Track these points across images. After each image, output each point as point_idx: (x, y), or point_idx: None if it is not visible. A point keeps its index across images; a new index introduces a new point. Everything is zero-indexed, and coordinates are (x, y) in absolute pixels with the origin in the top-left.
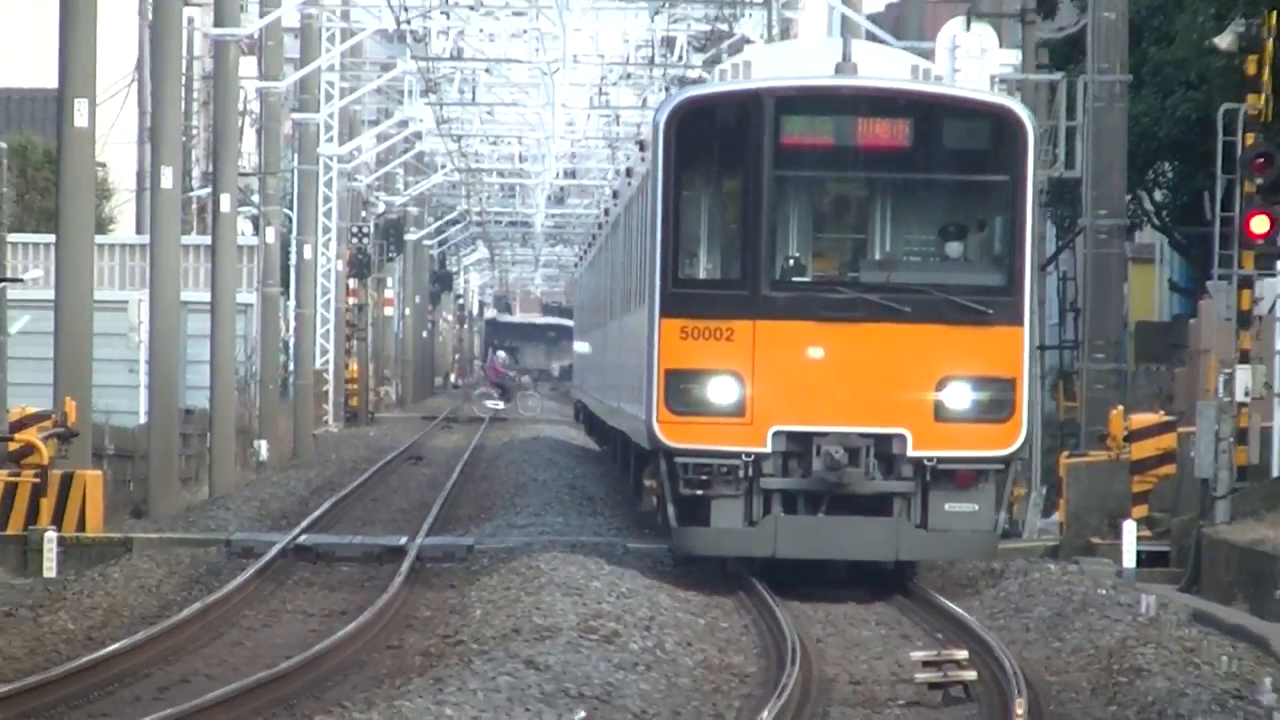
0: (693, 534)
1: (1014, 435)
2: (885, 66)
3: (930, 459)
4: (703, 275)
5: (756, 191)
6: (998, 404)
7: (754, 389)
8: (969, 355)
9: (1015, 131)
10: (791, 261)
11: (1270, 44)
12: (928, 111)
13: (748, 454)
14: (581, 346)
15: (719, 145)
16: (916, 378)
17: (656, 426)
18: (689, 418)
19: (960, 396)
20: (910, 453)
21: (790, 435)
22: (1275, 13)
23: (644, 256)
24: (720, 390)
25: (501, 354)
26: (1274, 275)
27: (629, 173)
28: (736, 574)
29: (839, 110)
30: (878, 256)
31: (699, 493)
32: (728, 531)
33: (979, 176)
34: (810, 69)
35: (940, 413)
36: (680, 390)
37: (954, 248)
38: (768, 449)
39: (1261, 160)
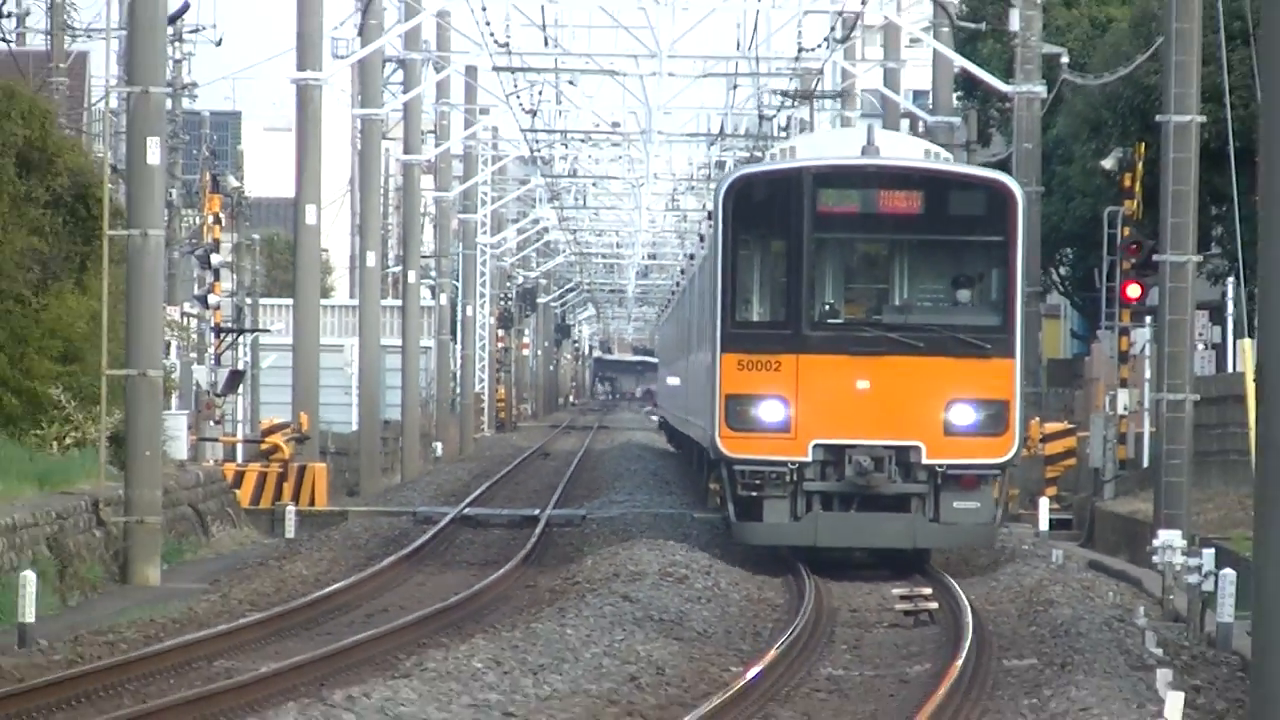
0: (749, 528)
1: (1009, 446)
2: (903, 149)
3: (941, 466)
4: (755, 318)
5: (798, 250)
6: (995, 421)
7: (797, 410)
8: (971, 382)
9: (1006, 200)
10: (827, 307)
11: (1139, 165)
12: (936, 184)
13: (793, 463)
14: (664, 375)
15: (768, 212)
16: (929, 400)
17: (719, 441)
18: (745, 434)
19: (965, 415)
20: (924, 461)
21: (827, 447)
22: (1143, 144)
23: (709, 303)
24: (770, 411)
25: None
26: (1143, 327)
27: (701, 239)
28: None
29: (864, 184)
30: (897, 302)
31: (753, 494)
32: (777, 525)
33: (978, 237)
34: (843, 151)
35: (948, 428)
36: (738, 411)
37: (959, 295)
38: (809, 458)
39: (1135, 246)
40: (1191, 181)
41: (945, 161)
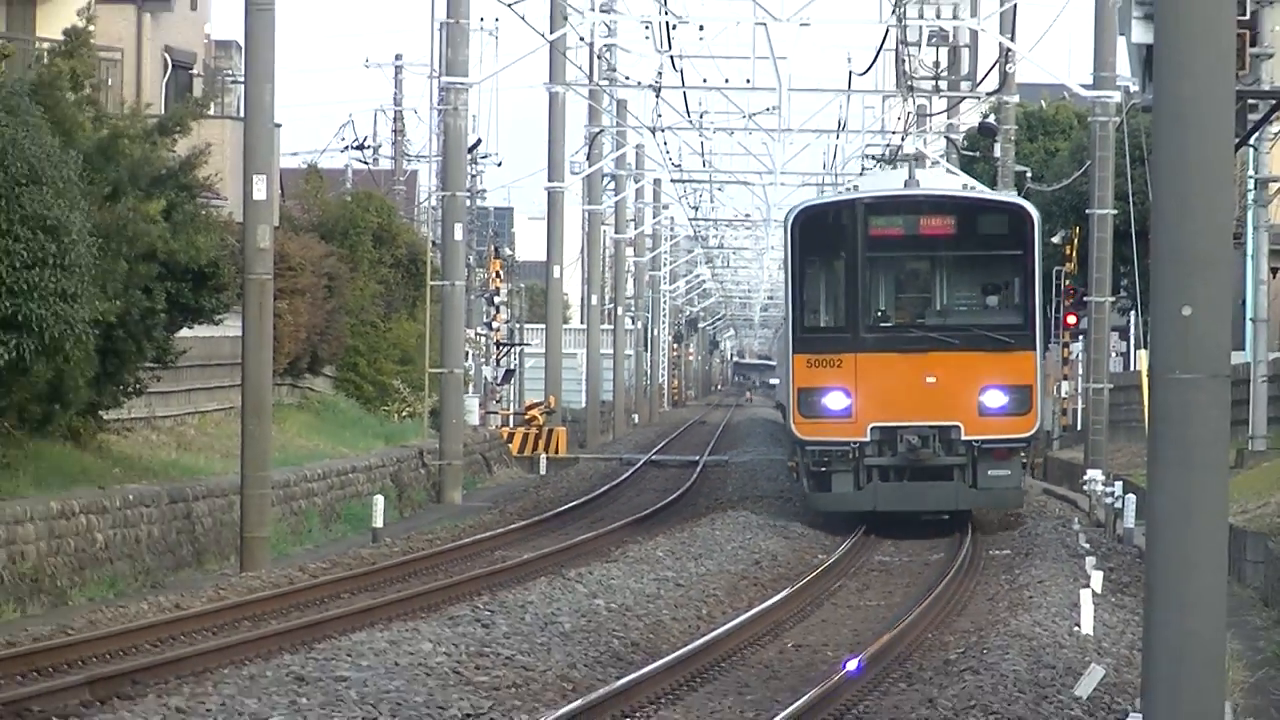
0: (821, 497)
1: (1032, 423)
2: (943, 182)
3: (977, 441)
4: (820, 324)
5: (854, 267)
6: (1020, 403)
7: (857, 399)
8: (1000, 371)
9: (1025, 220)
10: (880, 313)
11: (1075, 240)
12: (966, 209)
13: (854, 442)
14: (777, 374)
15: (828, 237)
16: (966, 387)
17: (793, 427)
18: (815, 420)
19: (995, 399)
20: (964, 437)
21: (883, 429)
22: (1078, 228)
23: (784, 315)
24: (835, 400)
25: None
26: (1078, 342)
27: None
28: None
29: (907, 210)
30: (937, 307)
31: (823, 469)
32: (843, 494)
33: (1002, 251)
34: (890, 186)
35: (982, 410)
36: (808, 401)
37: (987, 299)
38: (868, 438)
39: (1072, 291)
40: (1108, 251)
41: (974, 190)
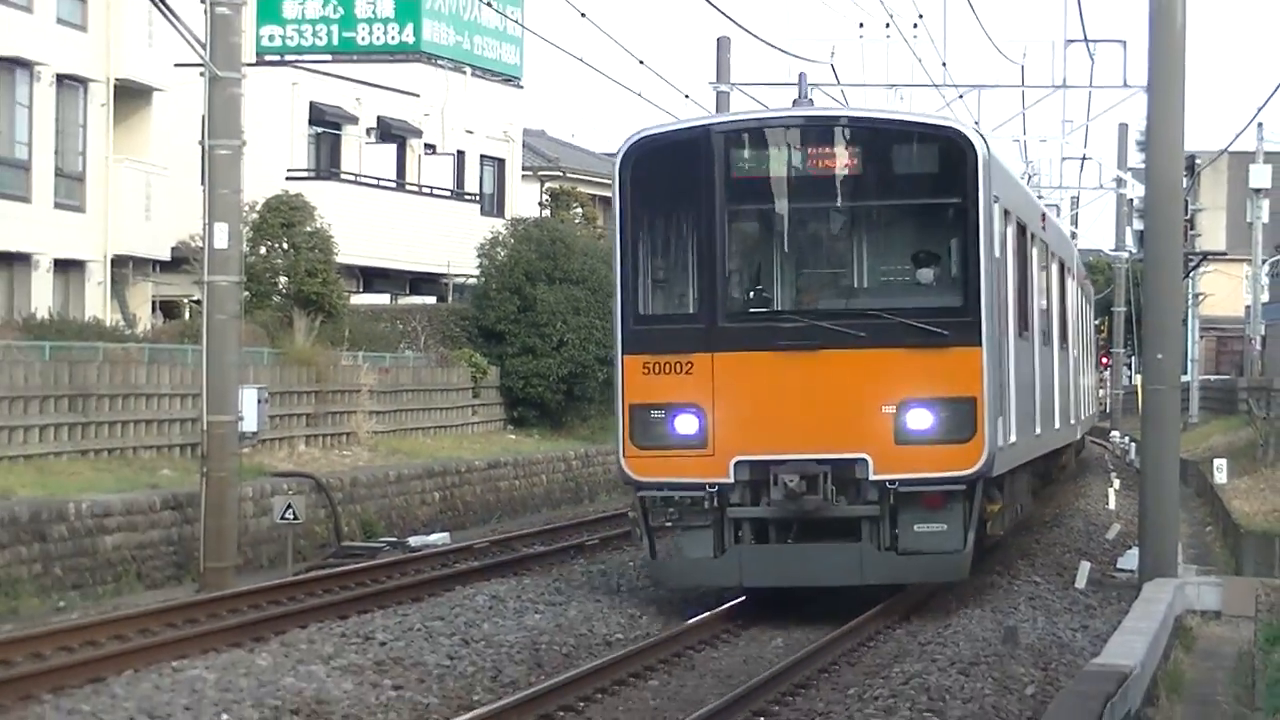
0: (666, 566)
1: (976, 455)
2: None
3: (893, 482)
4: (662, 311)
5: (709, 227)
6: (959, 424)
7: (714, 421)
8: (928, 377)
9: (965, 153)
10: (750, 295)
11: (1107, 321)
12: (874, 137)
13: (712, 485)
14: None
15: (674, 183)
16: (875, 403)
17: (624, 462)
18: (655, 452)
19: (921, 419)
20: (873, 476)
21: (752, 464)
22: (1109, 316)
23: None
24: (682, 424)
25: None
26: (1107, 371)
27: None
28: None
29: (784, 143)
30: (834, 285)
31: (668, 524)
32: (698, 562)
33: (929, 200)
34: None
35: (901, 436)
36: (645, 424)
37: (911, 273)
38: (731, 479)
39: (1104, 348)
40: (1121, 329)
41: (888, 111)
